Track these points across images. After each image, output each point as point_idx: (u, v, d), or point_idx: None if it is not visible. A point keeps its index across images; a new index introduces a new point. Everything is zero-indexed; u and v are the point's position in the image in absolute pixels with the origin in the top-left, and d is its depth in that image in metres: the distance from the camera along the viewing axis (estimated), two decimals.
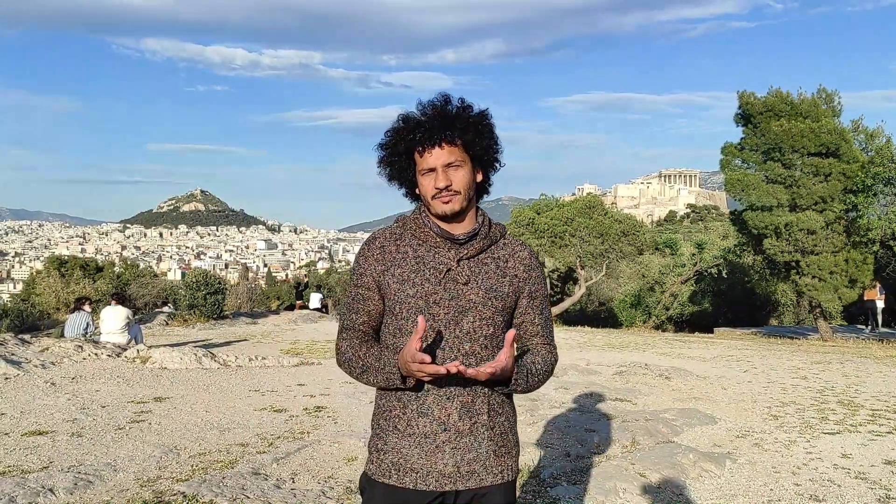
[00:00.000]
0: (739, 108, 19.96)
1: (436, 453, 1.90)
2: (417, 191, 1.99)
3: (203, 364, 9.09)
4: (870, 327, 21.96)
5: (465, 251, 1.95)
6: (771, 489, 4.90)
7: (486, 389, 1.94)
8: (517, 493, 2.13)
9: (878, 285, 20.59)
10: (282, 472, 4.90)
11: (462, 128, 1.90)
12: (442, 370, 1.72)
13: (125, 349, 10.04)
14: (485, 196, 2.11)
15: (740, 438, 6.34)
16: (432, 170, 1.91)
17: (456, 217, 1.94)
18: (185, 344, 12.10)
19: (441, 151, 1.89)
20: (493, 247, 2.01)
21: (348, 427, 6.25)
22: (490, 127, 1.96)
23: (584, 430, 6.26)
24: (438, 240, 1.95)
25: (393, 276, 1.95)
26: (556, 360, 2.08)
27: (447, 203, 1.91)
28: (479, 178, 2.00)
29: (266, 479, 4.73)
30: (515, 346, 2.05)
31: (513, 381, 1.89)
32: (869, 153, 18.57)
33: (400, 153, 1.95)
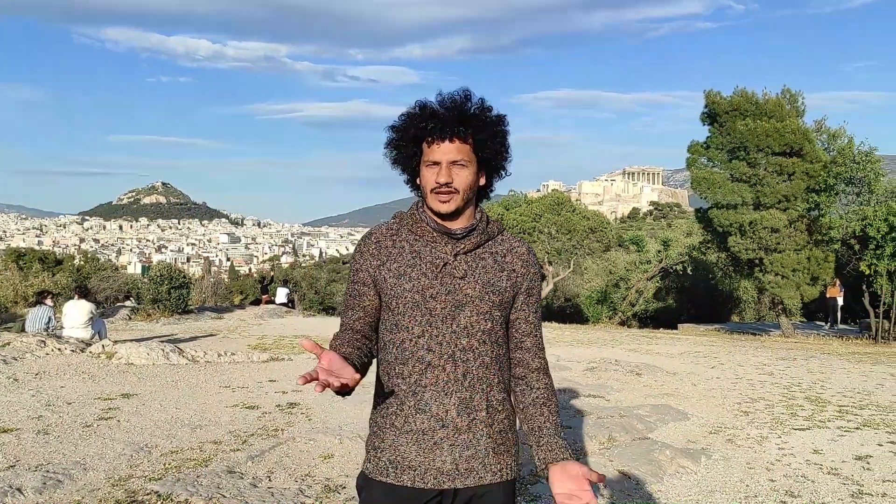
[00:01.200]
0: (706, 107, 20.18)
1: (434, 450, 1.87)
2: (419, 180, 1.96)
3: (171, 360, 8.91)
4: (829, 324, 22.42)
5: (463, 246, 1.92)
6: (747, 485, 4.94)
7: (485, 386, 1.91)
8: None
9: (839, 283, 21.04)
10: (257, 471, 4.81)
11: (476, 127, 1.87)
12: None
13: (89, 344, 9.81)
14: (483, 200, 2.08)
15: (713, 434, 6.40)
16: (437, 163, 1.87)
17: (452, 215, 1.91)
18: (150, 339, 11.87)
19: (450, 146, 1.86)
20: (490, 242, 1.98)
21: (323, 424, 6.17)
22: (504, 133, 1.93)
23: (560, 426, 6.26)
24: (435, 234, 1.92)
25: (389, 270, 1.92)
26: (550, 377, 2.06)
27: (444, 202, 1.87)
28: (483, 181, 1.97)
29: (242, 478, 4.64)
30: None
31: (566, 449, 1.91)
32: (831, 153, 18.92)
33: (409, 139, 1.91)
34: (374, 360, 2.01)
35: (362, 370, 1.81)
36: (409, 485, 1.87)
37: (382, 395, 1.95)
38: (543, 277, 27.69)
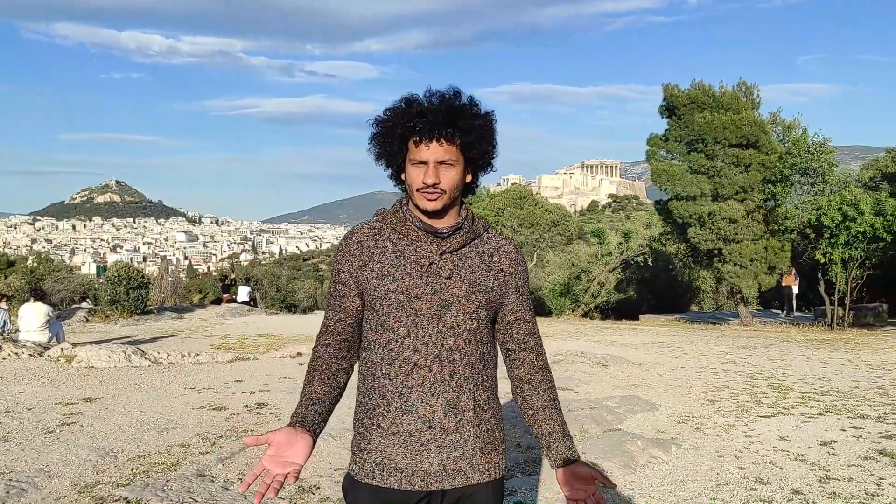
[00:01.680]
0: (664, 100, 20.40)
1: (421, 452, 1.84)
2: (403, 177, 1.92)
3: (133, 362, 8.74)
4: (785, 312, 22.90)
5: (448, 244, 1.89)
6: (717, 473, 5.01)
7: (472, 385, 1.89)
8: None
9: (794, 271, 21.49)
10: (228, 473, 4.73)
11: (465, 128, 1.82)
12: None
13: (47, 348, 9.57)
14: (468, 195, 2.05)
15: (682, 424, 6.48)
16: (424, 163, 1.83)
17: (438, 213, 1.88)
18: (109, 341, 11.63)
19: (438, 147, 1.81)
20: (476, 241, 1.95)
21: None
22: (493, 131, 1.90)
23: None
24: (420, 233, 1.88)
25: (372, 271, 1.89)
26: (547, 361, 2.07)
27: (431, 201, 1.84)
28: (469, 179, 1.93)
29: (212, 481, 4.56)
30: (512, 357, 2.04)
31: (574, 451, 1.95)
32: (786, 144, 19.27)
33: (395, 137, 1.86)
34: (358, 361, 1.98)
35: (330, 407, 1.91)
36: (395, 487, 1.85)
37: (368, 395, 1.92)
38: None
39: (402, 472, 1.84)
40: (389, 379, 1.86)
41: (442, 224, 1.89)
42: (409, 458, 1.84)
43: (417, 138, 1.81)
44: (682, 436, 6.02)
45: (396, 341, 1.84)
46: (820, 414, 6.88)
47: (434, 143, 1.81)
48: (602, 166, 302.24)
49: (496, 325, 1.99)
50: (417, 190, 1.85)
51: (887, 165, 27.13)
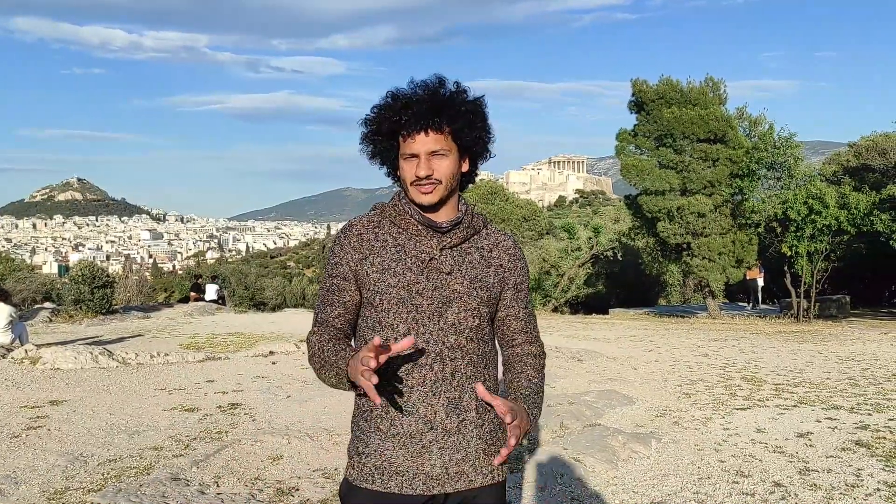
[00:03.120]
0: (633, 95, 20.51)
1: (422, 454, 1.77)
2: (399, 172, 1.86)
3: (100, 363, 8.52)
4: (751, 304, 23.22)
5: (448, 240, 1.83)
6: (698, 467, 5.01)
7: (474, 384, 1.82)
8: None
9: (759, 265, 21.78)
10: (203, 476, 4.61)
11: (452, 115, 1.77)
12: (373, 394, 1.54)
13: (10, 349, 9.29)
14: (469, 185, 1.99)
15: (660, 418, 6.49)
16: (415, 156, 1.78)
17: (435, 206, 1.83)
18: (75, 342, 11.35)
19: (426, 138, 1.77)
20: (475, 236, 1.90)
21: (268, 424, 5.98)
22: (483, 116, 1.84)
23: None
24: (420, 227, 1.82)
25: (372, 265, 1.83)
26: (542, 354, 2.00)
27: (427, 193, 1.79)
28: (465, 167, 1.88)
29: (188, 485, 4.43)
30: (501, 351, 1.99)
31: (531, 416, 1.83)
32: (753, 139, 19.48)
33: (384, 133, 1.82)
34: None
35: None
36: (396, 491, 1.78)
37: (364, 398, 1.85)
38: None
39: (402, 476, 1.78)
40: (387, 378, 1.78)
41: (441, 218, 1.84)
42: (410, 460, 1.77)
43: (405, 132, 1.77)
44: (661, 430, 6.02)
45: (396, 339, 1.77)
46: (794, 405, 6.94)
47: (422, 134, 1.76)
48: (569, 162, 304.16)
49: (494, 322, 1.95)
50: (412, 184, 1.80)
51: (849, 160, 27.64)
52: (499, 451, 1.87)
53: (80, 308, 17.27)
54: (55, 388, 7.38)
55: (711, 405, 6.99)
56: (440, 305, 1.79)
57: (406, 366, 1.78)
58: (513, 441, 1.69)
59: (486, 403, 1.79)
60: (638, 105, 20.42)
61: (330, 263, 1.89)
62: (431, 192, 1.78)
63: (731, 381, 8.28)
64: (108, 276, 18.31)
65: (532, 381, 1.91)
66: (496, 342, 1.97)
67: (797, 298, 18.27)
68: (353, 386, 1.71)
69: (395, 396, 1.78)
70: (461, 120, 1.77)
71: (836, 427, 6.07)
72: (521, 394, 1.87)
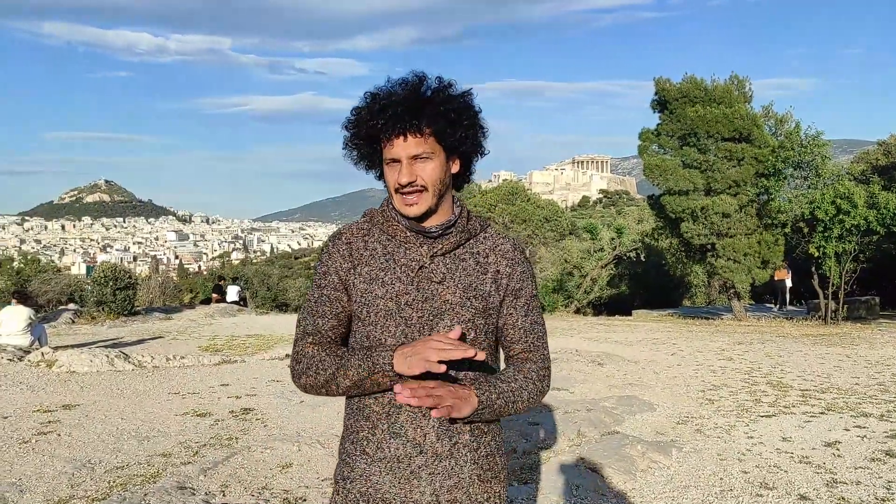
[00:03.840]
0: (656, 94, 20.24)
1: (410, 480, 1.63)
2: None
3: (116, 366, 8.49)
4: (778, 306, 22.81)
5: (440, 246, 1.70)
6: (721, 478, 4.82)
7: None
8: None
9: (786, 265, 21.38)
10: (210, 485, 4.51)
11: (432, 116, 1.63)
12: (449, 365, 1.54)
13: (28, 352, 9.30)
14: (464, 186, 1.84)
15: (681, 425, 6.30)
16: (396, 161, 1.65)
17: (423, 218, 1.69)
18: (94, 344, 11.38)
19: (405, 143, 1.63)
20: (472, 241, 1.75)
21: (280, 430, 5.88)
22: (469, 112, 1.69)
23: (528, 422, 6.08)
24: (408, 234, 1.70)
25: (360, 275, 1.70)
26: (546, 373, 1.76)
27: (410, 205, 1.66)
28: (456, 167, 1.73)
29: (194, 494, 4.34)
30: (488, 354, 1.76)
31: (478, 400, 1.60)
32: (779, 138, 19.11)
33: (363, 138, 1.70)
34: None
35: None
36: None
37: (352, 417, 1.72)
38: None
39: None
40: (375, 398, 1.67)
41: (430, 223, 1.70)
42: (398, 487, 1.64)
43: (384, 136, 1.65)
44: (682, 438, 5.83)
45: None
46: (822, 413, 6.71)
47: (401, 138, 1.63)
48: (592, 162, 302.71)
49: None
50: (396, 191, 1.67)
51: (878, 158, 27.11)
52: (495, 477, 1.72)
53: (103, 309, 17.38)
54: (69, 392, 7.35)
55: (735, 412, 6.78)
56: (431, 318, 1.66)
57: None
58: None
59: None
60: (661, 104, 20.14)
61: (318, 273, 1.77)
62: (416, 202, 1.65)
63: (755, 387, 8.05)
64: (129, 277, 18.38)
65: (506, 377, 1.70)
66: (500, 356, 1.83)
67: (825, 300, 17.90)
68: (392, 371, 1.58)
69: (382, 418, 1.66)
70: (443, 120, 1.64)
71: (865, 436, 5.84)
72: (488, 380, 1.68)
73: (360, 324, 1.70)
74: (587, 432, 5.80)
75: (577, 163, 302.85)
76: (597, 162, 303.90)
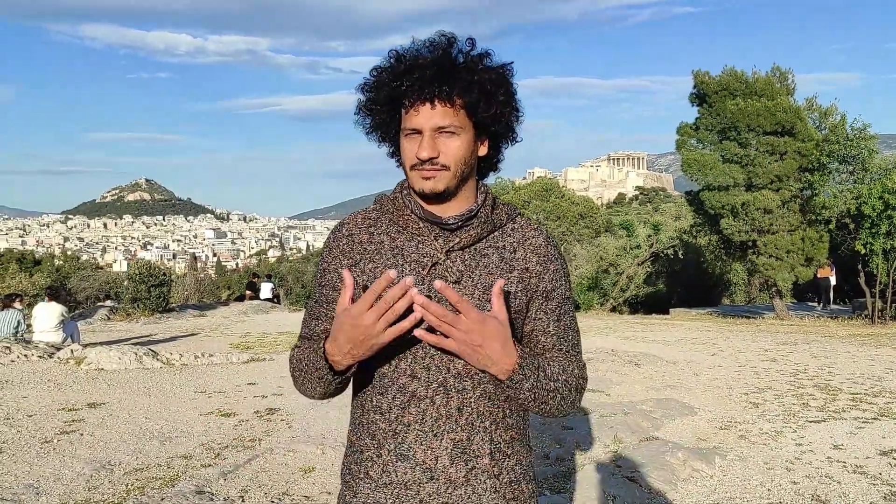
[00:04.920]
0: (694, 87, 19.74)
1: None
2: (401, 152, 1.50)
3: (144, 363, 8.41)
4: (821, 304, 22.15)
5: (458, 239, 1.45)
6: (768, 489, 4.52)
7: (489, 423, 1.43)
8: None
9: (831, 263, 20.73)
10: (229, 490, 4.34)
11: (466, 84, 1.39)
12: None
13: (60, 349, 9.29)
14: (490, 174, 1.59)
15: (724, 430, 5.98)
16: (417, 132, 1.41)
17: (440, 196, 1.44)
18: (126, 341, 11.37)
19: (432, 111, 1.39)
20: (496, 233, 1.50)
21: (304, 432, 5.70)
22: (508, 87, 1.45)
23: (561, 427, 5.82)
24: (422, 225, 1.46)
25: (363, 272, 1.47)
26: (583, 378, 1.53)
27: (428, 179, 1.41)
28: (484, 150, 1.49)
29: (212, 499, 4.17)
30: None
31: (516, 368, 1.36)
32: (823, 131, 18.52)
33: (383, 101, 1.45)
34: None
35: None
36: None
37: (356, 434, 1.50)
38: None
39: None
40: (381, 413, 1.43)
41: (448, 212, 1.46)
42: None
43: (407, 101, 1.41)
44: (725, 444, 5.52)
45: (390, 364, 1.43)
46: (874, 418, 6.34)
47: (427, 105, 1.39)
48: (628, 158, 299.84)
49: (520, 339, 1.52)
50: (412, 168, 1.43)
51: None
52: None
53: (138, 306, 17.48)
54: (96, 390, 7.27)
55: (781, 417, 6.44)
56: None
57: (401, 398, 1.41)
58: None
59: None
60: (700, 97, 19.66)
61: (318, 270, 1.56)
62: (434, 177, 1.41)
63: (802, 390, 7.68)
64: (164, 274, 18.48)
65: (552, 365, 1.47)
66: None
67: (872, 299, 17.27)
68: (331, 368, 1.41)
69: (388, 436, 1.42)
70: (477, 90, 1.40)
71: None
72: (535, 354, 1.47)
73: None
74: (624, 437, 5.51)
75: (613, 159, 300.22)
76: (633, 158, 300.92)
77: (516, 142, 1.54)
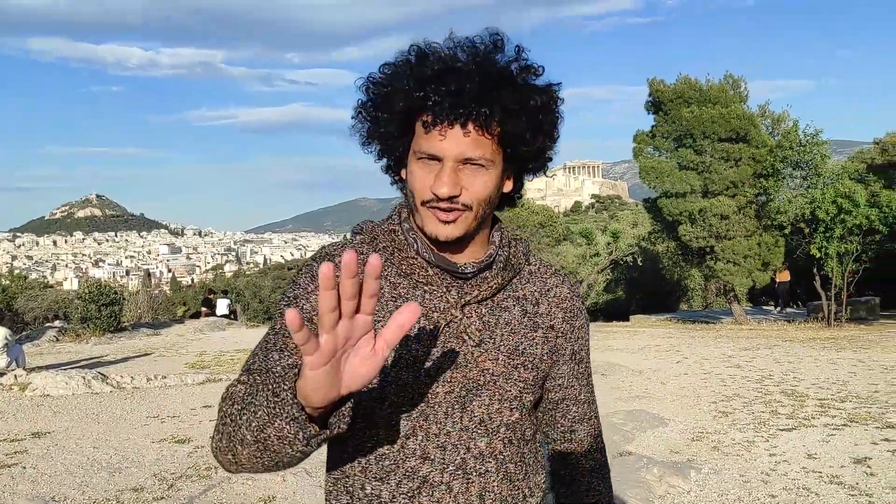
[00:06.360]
0: (650, 95, 19.90)
1: None
2: (405, 174, 1.17)
3: (93, 388, 8.02)
4: (778, 308, 22.45)
5: (476, 292, 1.16)
6: (746, 503, 4.39)
7: (512, 467, 1.16)
8: None
9: (785, 267, 21.02)
10: None
11: (513, 109, 1.08)
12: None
13: (3, 374, 8.83)
14: (505, 209, 1.27)
15: (696, 442, 5.87)
16: (436, 158, 1.08)
17: (456, 242, 1.13)
18: (75, 363, 10.91)
19: (462, 137, 1.07)
20: (515, 280, 1.22)
21: None
22: (555, 115, 1.15)
23: None
24: (430, 272, 1.15)
25: None
26: (607, 465, 1.35)
27: (446, 223, 1.10)
28: (509, 186, 1.19)
29: None
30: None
31: None
32: (776, 137, 18.79)
33: (394, 110, 1.11)
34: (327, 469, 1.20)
35: None
36: None
37: (335, 488, 1.17)
38: None
39: None
40: (381, 479, 1.12)
41: (464, 258, 1.17)
42: None
43: (429, 118, 1.07)
44: (699, 457, 5.41)
45: (395, 443, 1.12)
46: (845, 425, 6.29)
47: (457, 128, 1.07)
48: (584, 167, 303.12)
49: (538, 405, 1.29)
50: (423, 203, 1.11)
51: (874, 158, 26.80)
52: None
53: (88, 326, 16.88)
54: (41, 418, 6.89)
55: (752, 426, 6.36)
56: (463, 394, 1.13)
57: (409, 484, 1.11)
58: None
59: None
60: (655, 105, 19.80)
61: (286, 297, 1.17)
62: (453, 220, 1.10)
63: (770, 397, 7.63)
64: (115, 292, 17.89)
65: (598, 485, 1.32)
66: (541, 435, 1.30)
67: (827, 301, 17.52)
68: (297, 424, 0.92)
69: (382, 489, 1.12)
70: (525, 119, 1.09)
71: (895, 450, 5.42)
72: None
73: (356, 397, 1.05)
74: None
75: (569, 168, 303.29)
76: (588, 167, 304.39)
77: (541, 175, 1.25)
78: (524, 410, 1.19)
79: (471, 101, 1.05)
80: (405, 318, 0.85)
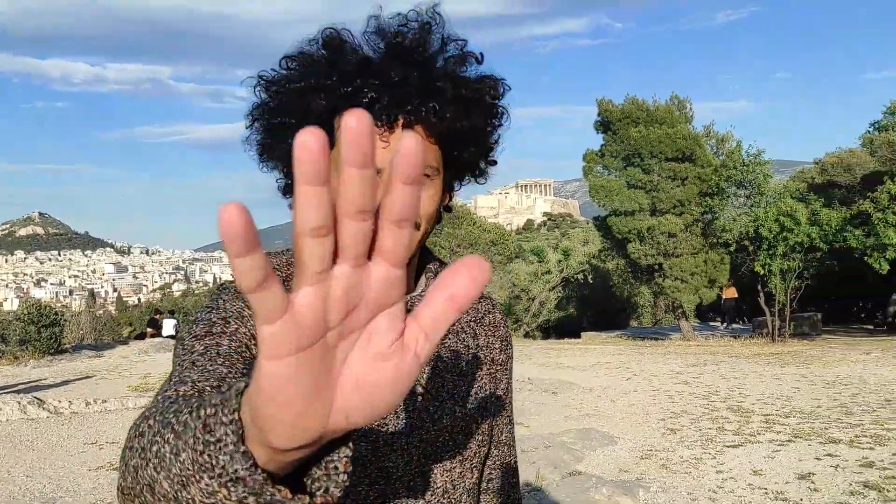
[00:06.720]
0: (599, 115, 20.21)
1: None
2: None
3: (28, 413, 7.72)
4: (726, 324, 22.89)
5: None
6: None
7: None
8: None
9: (730, 283, 21.47)
10: None
11: (465, 98, 0.90)
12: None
13: None
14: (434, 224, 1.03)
15: (645, 459, 5.89)
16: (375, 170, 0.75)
17: None
18: (11, 388, 10.49)
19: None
20: None
21: None
22: (500, 111, 0.97)
23: None
24: None
25: None
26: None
27: None
28: (446, 198, 1.01)
29: None
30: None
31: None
32: (721, 157, 19.24)
33: (309, 111, 0.88)
34: None
35: None
36: None
37: None
38: None
39: None
40: None
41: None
42: None
43: (378, 121, 0.86)
44: (647, 475, 5.42)
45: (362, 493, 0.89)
46: (789, 440, 6.38)
47: (398, 131, 0.87)
48: (536, 185, 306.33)
49: None
50: None
51: (814, 177, 27.64)
52: None
53: (27, 348, 16.31)
54: None
55: (700, 442, 6.41)
56: (422, 461, 0.93)
57: None
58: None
59: None
60: (604, 125, 20.11)
61: (206, 309, 0.93)
62: None
63: (717, 413, 7.72)
64: (55, 313, 17.35)
65: None
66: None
67: (771, 317, 17.91)
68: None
69: None
70: (478, 110, 0.93)
71: (838, 465, 5.52)
72: None
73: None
74: (546, 474, 5.33)
75: (521, 186, 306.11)
76: (540, 185, 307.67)
77: (477, 182, 1.05)
78: (479, 469, 1.01)
79: (417, 94, 0.86)
80: (464, 282, 0.40)
